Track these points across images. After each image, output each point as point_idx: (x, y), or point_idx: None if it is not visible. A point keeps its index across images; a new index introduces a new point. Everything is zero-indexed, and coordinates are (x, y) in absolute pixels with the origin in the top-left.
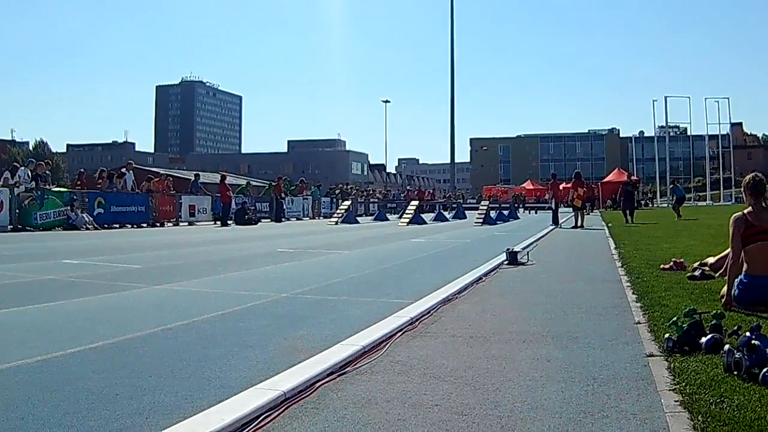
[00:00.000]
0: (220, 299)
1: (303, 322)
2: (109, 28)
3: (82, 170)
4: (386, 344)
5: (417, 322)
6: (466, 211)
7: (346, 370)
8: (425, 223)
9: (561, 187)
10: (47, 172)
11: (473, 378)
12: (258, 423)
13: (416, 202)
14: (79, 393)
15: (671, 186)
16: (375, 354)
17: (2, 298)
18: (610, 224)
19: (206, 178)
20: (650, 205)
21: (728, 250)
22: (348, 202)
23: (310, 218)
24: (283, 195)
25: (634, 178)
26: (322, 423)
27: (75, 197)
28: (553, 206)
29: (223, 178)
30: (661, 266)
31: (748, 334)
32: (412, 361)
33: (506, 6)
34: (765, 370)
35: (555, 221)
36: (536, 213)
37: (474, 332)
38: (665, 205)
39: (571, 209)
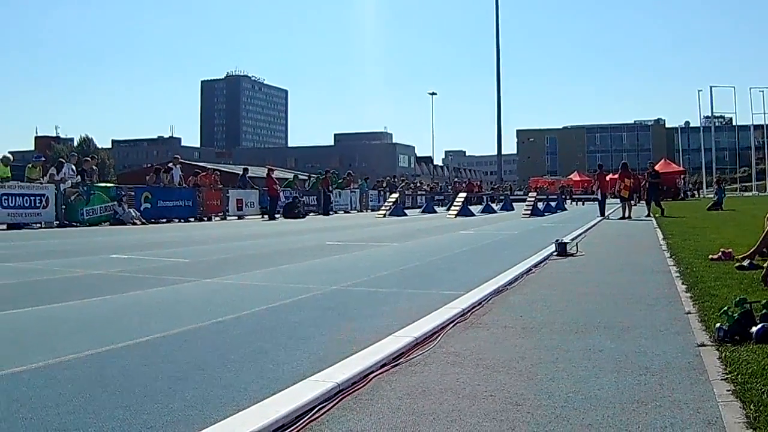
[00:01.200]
0: (270, 292)
1: (354, 315)
2: (154, 23)
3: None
4: (438, 335)
5: (468, 314)
6: (513, 203)
7: (399, 361)
8: (473, 215)
9: (608, 178)
10: (93, 167)
11: (526, 368)
12: (312, 414)
13: (464, 194)
14: (132, 386)
15: (716, 187)
16: (428, 345)
17: (52, 294)
18: (657, 215)
19: (253, 172)
20: (696, 196)
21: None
22: (396, 195)
23: (358, 211)
24: (330, 188)
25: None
26: (376, 414)
27: (122, 192)
28: (600, 197)
29: (271, 171)
30: (710, 256)
31: None
32: (464, 352)
33: None
34: None
35: (602, 212)
36: (583, 204)
37: (525, 323)
38: (711, 195)
39: (618, 200)
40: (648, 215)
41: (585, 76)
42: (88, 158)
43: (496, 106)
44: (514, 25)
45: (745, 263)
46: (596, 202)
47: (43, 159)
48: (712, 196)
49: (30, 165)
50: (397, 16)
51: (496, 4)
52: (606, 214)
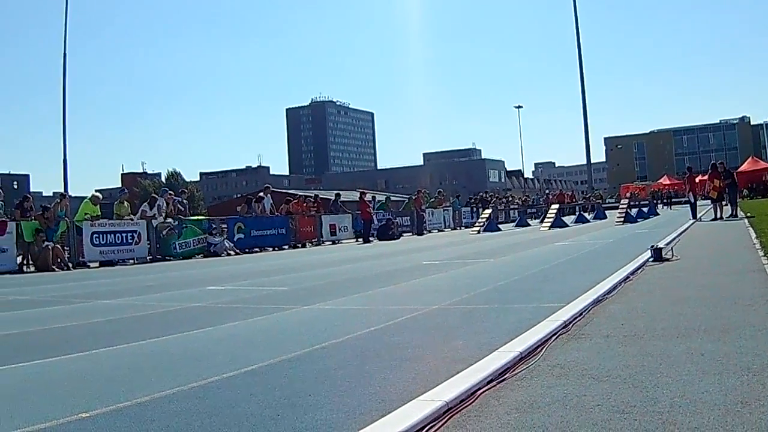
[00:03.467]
0: (370, 315)
1: (457, 333)
2: (235, 55)
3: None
4: (542, 348)
5: (570, 325)
6: (605, 211)
7: (505, 376)
8: (567, 225)
9: (697, 179)
10: (184, 201)
11: (630, 376)
12: None
13: (556, 206)
14: (239, 416)
15: None
16: (532, 359)
17: (149, 328)
18: (748, 214)
19: (344, 197)
20: None
21: None
22: (488, 211)
23: (452, 229)
24: (423, 208)
25: (743, 165)
26: (486, 430)
27: (214, 224)
28: (691, 200)
29: (363, 195)
30: None
31: None
32: (569, 364)
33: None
34: None
35: (694, 215)
36: (671, 208)
37: (627, 331)
38: None
39: (709, 201)
40: (732, 215)
41: (668, 77)
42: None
43: (582, 114)
44: (595, 30)
45: None
46: (686, 205)
47: (127, 192)
48: None
49: (117, 201)
50: (474, 30)
51: (575, 12)
52: (698, 216)
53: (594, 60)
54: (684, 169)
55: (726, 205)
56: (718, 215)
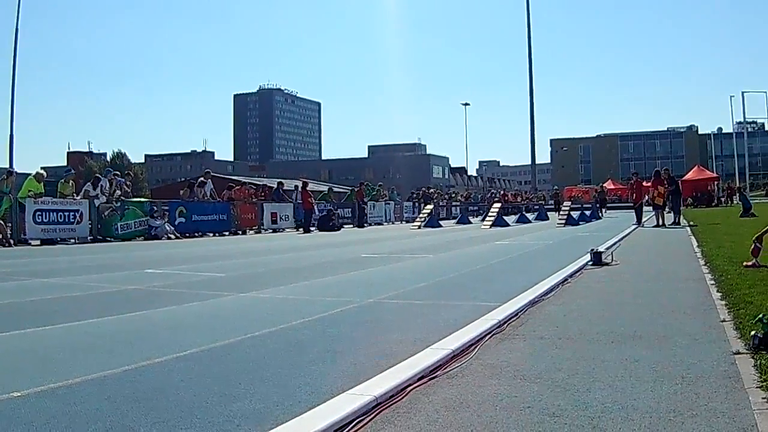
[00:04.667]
0: (306, 306)
1: (391, 327)
2: (185, 38)
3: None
4: (475, 347)
5: (505, 325)
6: (548, 212)
7: (437, 374)
8: (508, 225)
9: (644, 185)
10: (128, 182)
11: (563, 379)
12: (350, 428)
13: (498, 205)
14: (168, 402)
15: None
16: (464, 357)
17: (86, 309)
18: (691, 222)
19: (287, 185)
20: (730, 203)
21: None
22: (430, 206)
23: (393, 223)
24: (365, 200)
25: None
26: (414, 427)
27: (155, 207)
28: (636, 205)
29: (305, 184)
30: (744, 263)
31: None
32: (501, 364)
33: (583, 5)
34: None
35: (639, 220)
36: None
37: (562, 333)
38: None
39: (651, 208)
40: (675, 222)
41: (617, 84)
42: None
43: (530, 115)
44: (546, 33)
45: None
46: (627, 211)
47: (73, 172)
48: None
49: (62, 180)
50: (426, 26)
51: (528, 13)
52: (642, 222)
53: (544, 62)
54: (629, 174)
55: (669, 212)
56: (661, 222)
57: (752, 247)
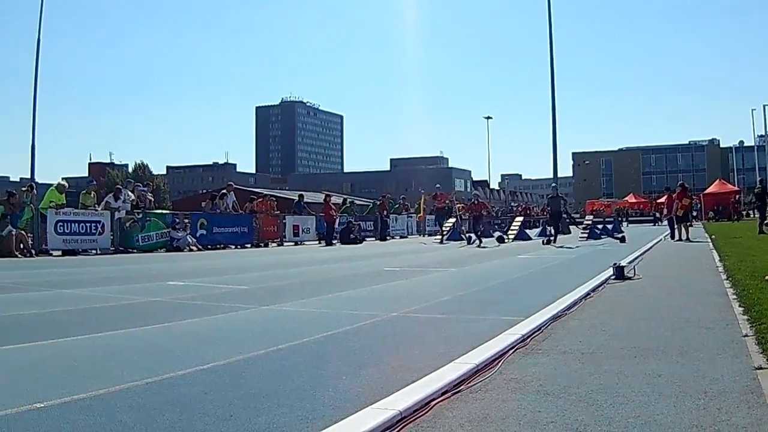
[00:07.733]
0: (329, 319)
1: (414, 341)
2: (208, 51)
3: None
4: (499, 362)
5: (528, 339)
6: (570, 226)
7: (460, 388)
8: (530, 238)
9: (664, 199)
10: (149, 194)
11: (586, 394)
12: None
13: (521, 218)
14: (192, 414)
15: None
16: (488, 372)
17: (108, 320)
18: (713, 236)
19: (309, 198)
20: (752, 216)
21: None
22: (452, 219)
23: (415, 236)
24: (387, 213)
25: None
26: None
27: (177, 219)
28: (664, 219)
29: (328, 197)
30: (766, 278)
31: None
32: (525, 378)
33: (605, 19)
34: None
35: (673, 235)
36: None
37: (585, 348)
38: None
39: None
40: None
41: (639, 97)
42: (145, 188)
43: (552, 128)
44: (568, 46)
45: None
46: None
47: (95, 183)
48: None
49: (84, 191)
50: (448, 39)
51: (550, 27)
52: (675, 235)
53: (566, 76)
54: (650, 188)
55: (691, 225)
56: (684, 236)
57: None
